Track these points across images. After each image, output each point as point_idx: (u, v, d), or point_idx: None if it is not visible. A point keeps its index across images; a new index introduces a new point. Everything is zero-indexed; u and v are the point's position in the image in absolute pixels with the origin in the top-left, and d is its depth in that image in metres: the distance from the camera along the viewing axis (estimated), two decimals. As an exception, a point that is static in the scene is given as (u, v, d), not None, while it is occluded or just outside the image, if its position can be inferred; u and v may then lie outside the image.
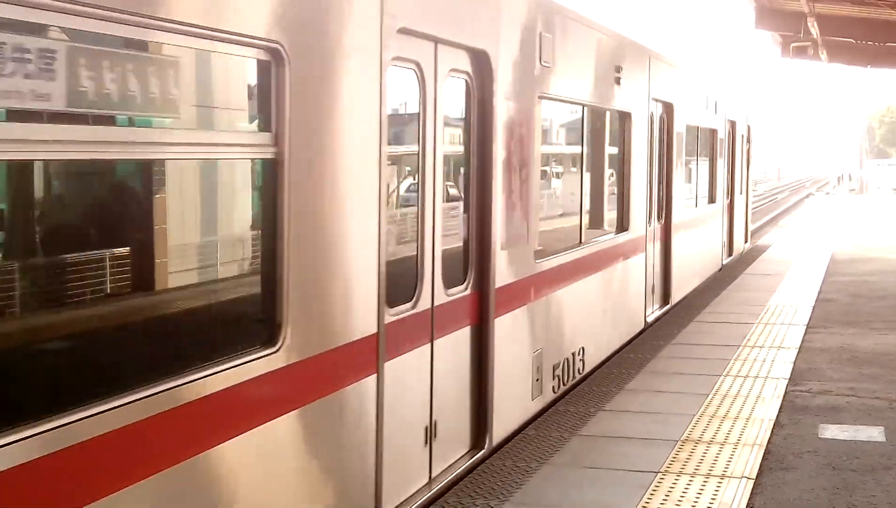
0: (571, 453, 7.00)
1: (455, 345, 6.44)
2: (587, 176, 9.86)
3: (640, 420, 7.84)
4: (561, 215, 9.71)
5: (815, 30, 18.82)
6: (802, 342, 11.03)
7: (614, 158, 10.83)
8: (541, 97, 7.84)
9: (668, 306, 12.91)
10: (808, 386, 8.94)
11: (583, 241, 9.42)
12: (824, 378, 9.26)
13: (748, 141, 21.23)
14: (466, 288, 6.61)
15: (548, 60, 7.85)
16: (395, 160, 5.88)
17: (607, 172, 10.81)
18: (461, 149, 6.69)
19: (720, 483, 6.35)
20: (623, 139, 10.85)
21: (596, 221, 10.31)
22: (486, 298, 6.78)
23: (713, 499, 6.06)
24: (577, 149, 9.64)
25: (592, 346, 9.46)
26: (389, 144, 5.43)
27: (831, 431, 7.52)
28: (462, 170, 6.71)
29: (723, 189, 17.78)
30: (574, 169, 9.71)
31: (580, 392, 8.72)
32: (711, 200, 16.77)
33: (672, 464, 6.72)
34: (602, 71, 9.72)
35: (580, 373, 9.06)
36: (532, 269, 7.67)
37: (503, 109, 6.90)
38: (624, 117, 10.78)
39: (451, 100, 6.43)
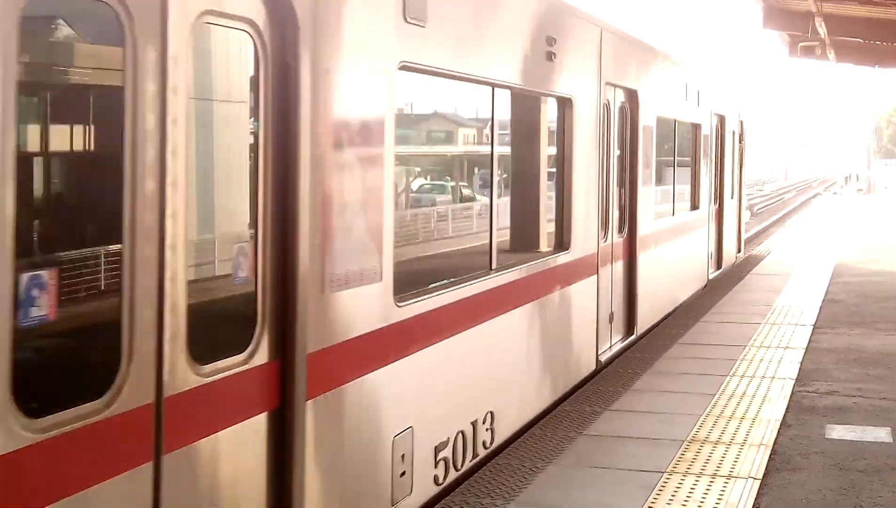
0: (577, 452, 6.99)
1: (222, 450, 4.14)
2: (504, 181, 7.61)
3: (646, 420, 7.83)
4: (463, 236, 7.33)
5: (822, 30, 18.78)
6: (809, 342, 11.00)
7: (549, 158, 8.61)
8: (405, 68, 5.52)
9: (632, 337, 10.60)
10: (814, 387, 8.92)
11: (494, 267, 7.06)
12: (831, 379, 9.24)
13: (741, 138, 19.20)
14: (251, 357, 4.28)
15: (417, 16, 5.60)
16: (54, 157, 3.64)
17: (538, 175, 8.55)
18: (246, 142, 4.48)
19: (726, 483, 6.34)
20: (562, 133, 8.51)
21: (520, 239, 8.10)
22: (292, 369, 4.49)
23: (719, 499, 6.04)
24: (486, 146, 7.24)
25: (509, 407, 7.20)
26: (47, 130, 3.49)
27: (838, 432, 7.50)
28: (243, 175, 4.45)
29: (708, 193, 15.42)
30: (482, 172, 7.35)
31: (587, 393, 8.70)
32: (694, 206, 14.58)
33: (678, 464, 6.71)
34: (522, 41, 7.46)
35: (488, 447, 6.78)
36: (390, 316, 5.36)
37: (325, 82, 4.67)
38: (562, 104, 8.45)
39: (210, 63, 4.31)
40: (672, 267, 12.90)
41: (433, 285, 6.15)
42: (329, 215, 4.79)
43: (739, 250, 19.71)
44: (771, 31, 22.21)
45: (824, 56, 22.57)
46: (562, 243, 8.55)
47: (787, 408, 8.15)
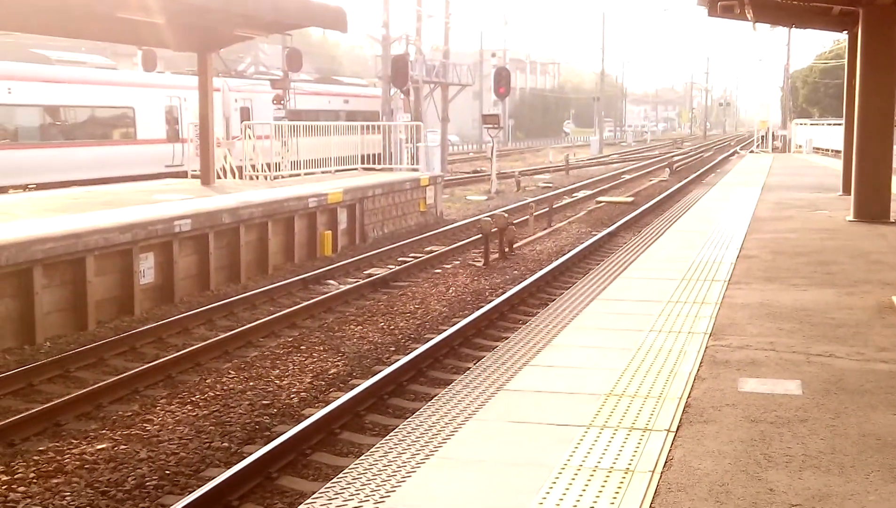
0: (497, 408, 7.05)
1: None
2: None
3: (566, 375, 7.93)
4: None
5: (741, -11, 18.98)
6: (724, 297, 11.24)
7: None
8: None
9: None
10: (728, 341, 9.13)
11: None
12: (744, 333, 9.45)
13: None
14: None
15: None
16: None
17: None
18: None
19: (643, 436, 6.46)
20: None
21: None
22: None
23: (636, 451, 6.16)
24: None
25: None
26: None
27: (750, 385, 7.69)
28: None
29: None
30: None
31: (508, 346, 8.77)
32: None
33: (596, 418, 6.81)
34: None
35: None
36: None
37: None
38: None
39: None
40: None
41: None
42: None
43: None
44: (692, -11, 22.35)
45: (743, 16, 22.85)
46: None
47: (702, 362, 8.33)
